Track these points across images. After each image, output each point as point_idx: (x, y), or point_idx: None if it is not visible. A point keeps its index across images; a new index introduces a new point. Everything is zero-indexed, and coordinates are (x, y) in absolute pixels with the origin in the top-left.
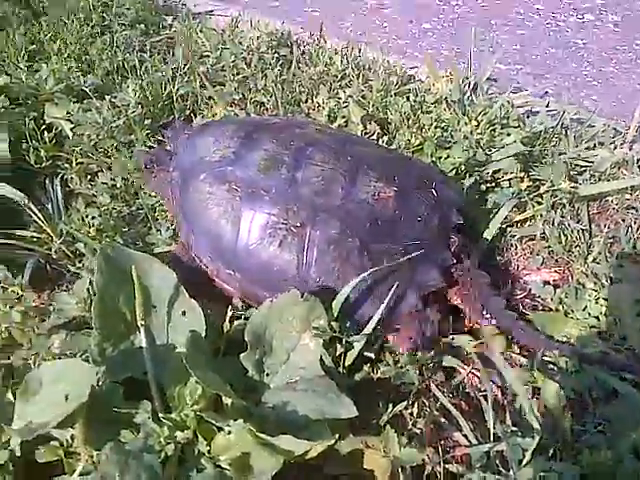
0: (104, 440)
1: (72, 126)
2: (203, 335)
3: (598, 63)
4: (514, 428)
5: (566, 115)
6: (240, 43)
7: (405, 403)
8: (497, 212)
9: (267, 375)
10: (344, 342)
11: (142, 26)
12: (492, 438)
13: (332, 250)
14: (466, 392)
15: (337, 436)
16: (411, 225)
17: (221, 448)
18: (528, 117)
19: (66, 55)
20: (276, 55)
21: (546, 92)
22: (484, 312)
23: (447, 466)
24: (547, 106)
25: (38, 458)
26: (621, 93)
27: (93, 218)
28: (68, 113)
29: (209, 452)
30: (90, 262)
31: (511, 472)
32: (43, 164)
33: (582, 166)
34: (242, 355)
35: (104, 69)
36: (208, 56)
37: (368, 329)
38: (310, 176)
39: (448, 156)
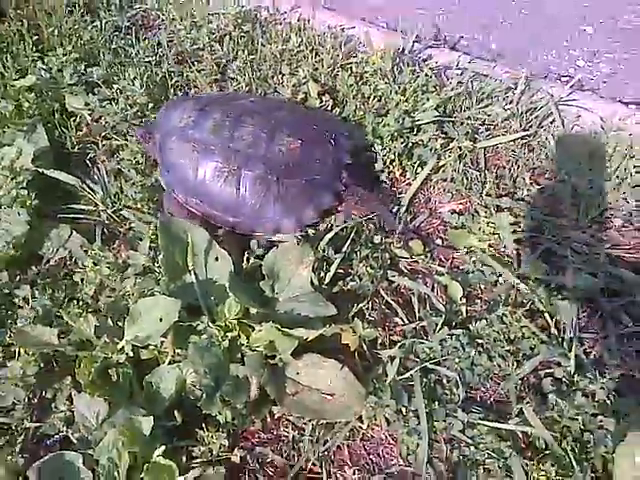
0: (184, 342)
1: (91, 113)
2: (232, 270)
3: (505, 4)
4: (431, 311)
5: (470, 71)
6: (210, 22)
7: (364, 302)
8: (422, 165)
9: (277, 294)
10: (324, 268)
11: (117, 2)
12: (417, 319)
13: (258, 183)
14: (402, 292)
15: (326, 326)
16: (312, 165)
17: (255, 340)
18: (445, 72)
19: (70, 47)
20: (242, 34)
21: (461, 37)
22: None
23: (391, 337)
24: (457, 66)
25: (142, 356)
26: (522, 35)
27: (131, 193)
28: (86, 104)
29: (248, 343)
30: (137, 225)
31: (429, 337)
32: (75, 148)
33: (481, 121)
34: (261, 282)
35: (106, 61)
36: (185, 37)
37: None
38: (242, 135)
39: (385, 124)
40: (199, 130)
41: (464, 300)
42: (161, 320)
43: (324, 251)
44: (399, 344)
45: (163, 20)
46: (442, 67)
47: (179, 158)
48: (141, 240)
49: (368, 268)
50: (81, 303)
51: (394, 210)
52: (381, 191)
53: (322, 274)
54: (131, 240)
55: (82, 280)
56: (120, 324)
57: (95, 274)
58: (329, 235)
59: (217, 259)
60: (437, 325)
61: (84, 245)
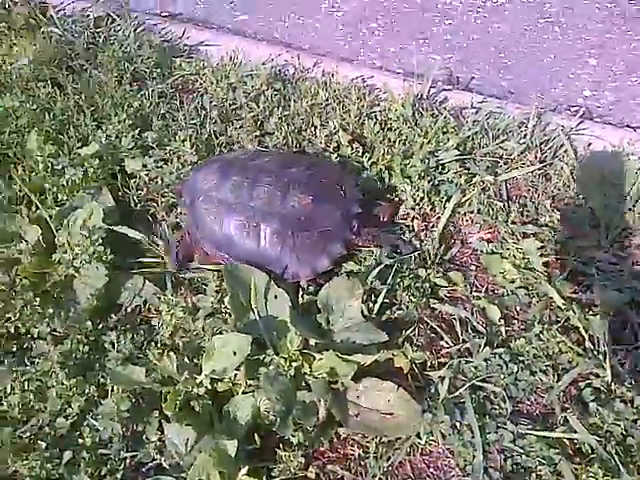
0: (255, 373)
1: (148, 174)
2: (290, 307)
3: (511, 44)
4: (473, 334)
5: (484, 110)
6: (245, 83)
7: (411, 329)
8: (449, 200)
9: (332, 325)
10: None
11: (158, 70)
12: (461, 341)
13: (276, 237)
14: (444, 318)
15: (380, 351)
16: (323, 218)
17: (318, 367)
18: (461, 113)
19: (124, 115)
20: (275, 92)
21: (472, 77)
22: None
23: (439, 359)
24: (472, 105)
25: (219, 389)
26: (529, 71)
27: None
28: (144, 165)
29: (311, 371)
30: (202, 271)
31: (474, 357)
32: (138, 206)
33: (499, 156)
34: (317, 316)
35: (158, 125)
36: (224, 98)
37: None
38: (259, 194)
39: (412, 165)
40: (221, 191)
41: (502, 321)
42: (235, 354)
43: (371, 283)
44: (447, 365)
45: (201, 84)
46: (458, 108)
47: (206, 217)
48: (206, 285)
49: (411, 297)
50: (159, 344)
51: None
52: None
53: (370, 305)
54: (196, 285)
55: (159, 324)
56: (197, 361)
57: (170, 317)
58: (375, 271)
59: (276, 297)
60: (480, 346)
61: (157, 292)
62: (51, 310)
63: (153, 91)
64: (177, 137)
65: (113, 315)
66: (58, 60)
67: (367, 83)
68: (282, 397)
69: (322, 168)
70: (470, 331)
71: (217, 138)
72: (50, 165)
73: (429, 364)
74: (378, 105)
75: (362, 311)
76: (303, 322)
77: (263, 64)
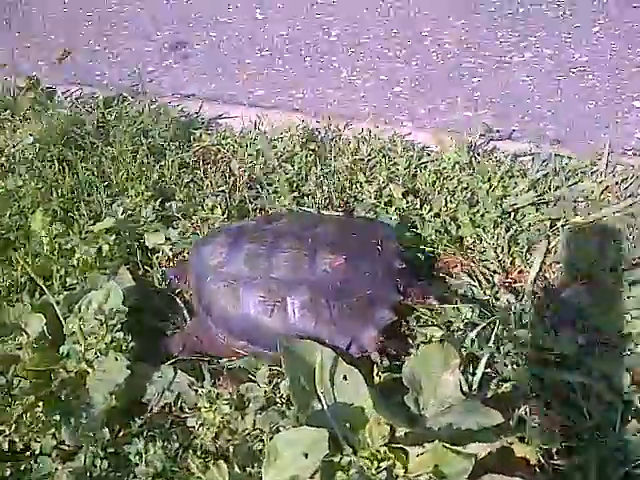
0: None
1: (172, 247)
2: (369, 388)
3: (546, 95)
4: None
5: (542, 155)
6: (275, 147)
7: (523, 406)
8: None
9: (422, 408)
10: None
11: (177, 142)
12: (588, 416)
13: (307, 311)
14: (557, 387)
15: (499, 437)
16: (362, 280)
17: (417, 466)
18: (516, 159)
19: (142, 188)
20: (310, 152)
21: (514, 130)
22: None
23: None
24: (527, 153)
25: None
26: (572, 119)
27: None
28: (167, 238)
29: (405, 473)
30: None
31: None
32: (163, 284)
33: (574, 198)
34: (405, 397)
35: (181, 195)
36: (253, 163)
37: None
38: (281, 261)
39: (483, 213)
40: (234, 265)
41: (634, 387)
42: (306, 457)
43: (466, 351)
44: (580, 449)
45: (225, 153)
46: (512, 155)
47: (218, 299)
48: (257, 369)
49: (514, 365)
50: (200, 451)
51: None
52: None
53: (468, 377)
54: (239, 373)
55: (197, 424)
56: (252, 469)
57: (214, 415)
58: (473, 334)
59: (345, 378)
60: (617, 420)
61: (193, 384)
62: (58, 417)
63: (173, 162)
64: (205, 205)
65: (137, 418)
66: (66, 139)
67: (406, 139)
68: None
69: (349, 224)
70: (596, 401)
71: (251, 203)
72: (57, 246)
73: (554, 449)
74: (429, 155)
75: (461, 386)
76: (386, 407)
77: (289, 130)
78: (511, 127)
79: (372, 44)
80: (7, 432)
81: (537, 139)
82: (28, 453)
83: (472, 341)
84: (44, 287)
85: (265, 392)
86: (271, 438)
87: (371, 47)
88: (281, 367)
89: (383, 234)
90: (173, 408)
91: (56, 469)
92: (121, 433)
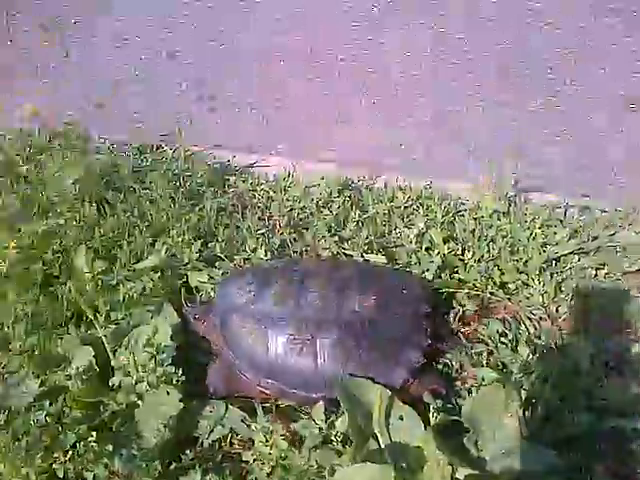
0: None
1: (213, 287)
2: (426, 428)
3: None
4: None
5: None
6: (310, 193)
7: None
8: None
9: (481, 450)
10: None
11: (212, 188)
12: None
13: (337, 350)
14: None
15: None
16: (391, 321)
17: None
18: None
19: (184, 228)
20: (347, 199)
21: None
22: None
23: None
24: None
25: None
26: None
27: None
28: (210, 277)
29: None
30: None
31: None
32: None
33: (615, 248)
34: (465, 438)
35: (222, 236)
36: (291, 209)
37: None
38: (310, 300)
39: (526, 260)
40: (262, 303)
41: None
42: None
43: (526, 393)
44: None
45: (259, 199)
46: (550, 206)
47: (245, 337)
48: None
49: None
50: None
51: None
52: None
53: (527, 421)
54: (290, 411)
55: (252, 460)
56: None
57: (271, 449)
58: (533, 377)
59: (402, 418)
60: None
61: (245, 419)
62: (110, 447)
63: (212, 205)
64: (247, 246)
65: (188, 451)
66: (104, 182)
67: (447, 188)
68: None
69: (373, 269)
70: None
71: (291, 245)
72: (101, 282)
73: None
74: (463, 204)
75: (520, 429)
76: (444, 448)
77: (323, 178)
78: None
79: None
80: (62, 460)
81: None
82: None
83: (531, 384)
84: (93, 319)
85: (320, 429)
86: (332, 475)
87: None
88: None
89: (407, 279)
90: (223, 443)
91: None
92: (172, 466)
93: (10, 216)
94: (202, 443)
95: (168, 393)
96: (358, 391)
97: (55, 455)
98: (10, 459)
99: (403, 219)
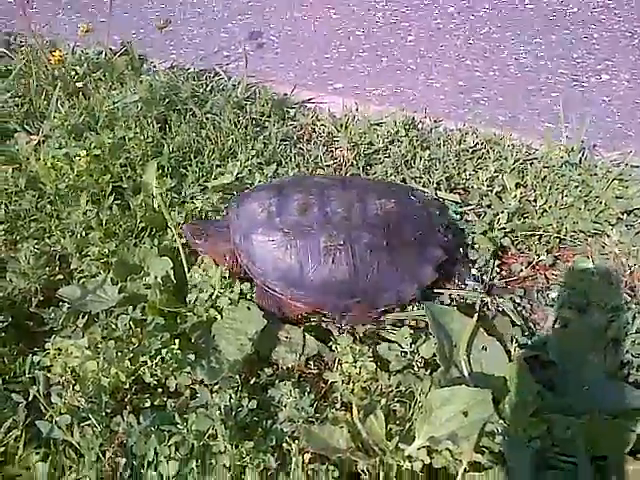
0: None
1: None
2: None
3: (626, 116)
4: None
5: None
6: (375, 130)
7: None
8: None
9: (565, 386)
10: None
11: (273, 118)
12: None
13: (369, 253)
14: None
15: None
16: (412, 222)
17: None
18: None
19: (252, 153)
20: (415, 136)
21: (594, 145)
22: None
23: None
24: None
25: (434, 464)
26: None
27: None
28: None
29: (552, 445)
30: None
31: None
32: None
33: None
34: (549, 373)
35: (292, 164)
36: (356, 144)
37: None
38: (334, 209)
39: (601, 210)
40: (286, 215)
41: None
42: (465, 415)
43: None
44: None
45: (321, 133)
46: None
47: (273, 250)
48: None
49: None
50: (340, 405)
51: None
52: None
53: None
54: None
55: (337, 379)
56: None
57: (359, 371)
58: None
59: (485, 348)
60: None
61: (319, 346)
62: (192, 356)
63: (277, 134)
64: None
65: (266, 369)
66: (166, 103)
67: (517, 136)
68: None
69: (380, 181)
70: None
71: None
72: (170, 198)
73: None
74: (534, 153)
75: (605, 368)
76: (527, 380)
77: (388, 116)
78: (594, 142)
79: (449, 52)
80: (149, 364)
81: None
82: (160, 390)
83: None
84: (169, 231)
85: (407, 353)
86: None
87: (448, 54)
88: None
89: (424, 195)
90: (299, 365)
91: (207, 402)
92: (251, 381)
93: (75, 127)
94: (278, 366)
95: (249, 309)
96: (443, 318)
97: (142, 359)
98: (102, 358)
99: (473, 161)
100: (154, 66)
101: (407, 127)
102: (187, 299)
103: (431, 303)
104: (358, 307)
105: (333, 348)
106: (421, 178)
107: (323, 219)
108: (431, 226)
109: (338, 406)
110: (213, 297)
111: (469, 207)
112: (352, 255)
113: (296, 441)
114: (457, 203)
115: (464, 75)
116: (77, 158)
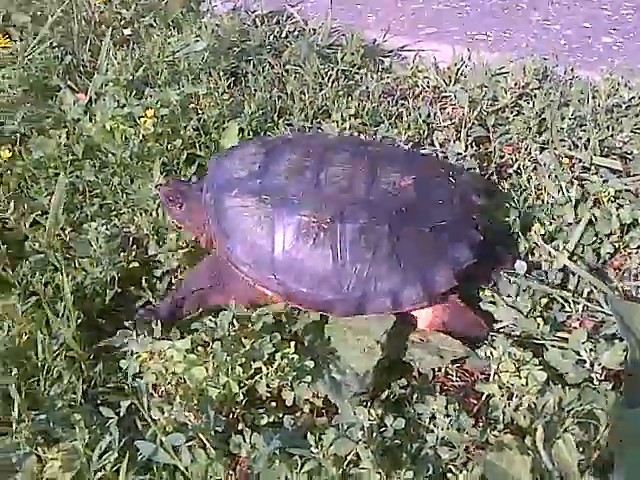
0: None
1: None
2: None
3: None
4: None
5: None
6: (497, 82)
7: None
8: None
9: None
10: None
11: (361, 71)
12: None
13: (363, 239)
14: None
15: None
16: (434, 208)
17: None
18: None
19: (352, 111)
20: (548, 93)
21: None
22: None
23: None
24: None
25: None
26: None
27: None
28: None
29: None
30: None
31: None
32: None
33: None
34: None
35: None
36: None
37: None
38: (332, 176)
39: None
40: (270, 177)
41: None
42: None
43: None
44: None
45: (425, 87)
46: None
47: (244, 219)
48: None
49: None
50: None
51: None
52: None
53: None
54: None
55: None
56: None
57: (525, 382)
58: None
59: None
60: None
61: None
62: (311, 363)
63: (374, 89)
64: (435, 139)
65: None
66: (236, 52)
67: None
68: None
69: (414, 152)
70: None
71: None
72: None
73: None
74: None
75: None
76: None
77: (508, 65)
78: None
79: None
80: (264, 371)
81: None
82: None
83: None
84: None
85: (583, 362)
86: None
87: None
88: None
89: (455, 168)
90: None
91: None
92: (383, 394)
93: (132, 82)
94: (418, 371)
95: None
96: (631, 317)
97: (255, 365)
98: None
99: (630, 121)
100: (214, 7)
101: (540, 78)
102: None
103: (618, 298)
104: (340, 306)
105: (487, 354)
106: (564, 141)
107: (314, 188)
108: (462, 217)
109: (500, 427)
110: None
111: (632, 178)
112: (340, 238)
113: (464, 472)
114: (616, 173)
115: (588, 13)
116: (142, 119)
